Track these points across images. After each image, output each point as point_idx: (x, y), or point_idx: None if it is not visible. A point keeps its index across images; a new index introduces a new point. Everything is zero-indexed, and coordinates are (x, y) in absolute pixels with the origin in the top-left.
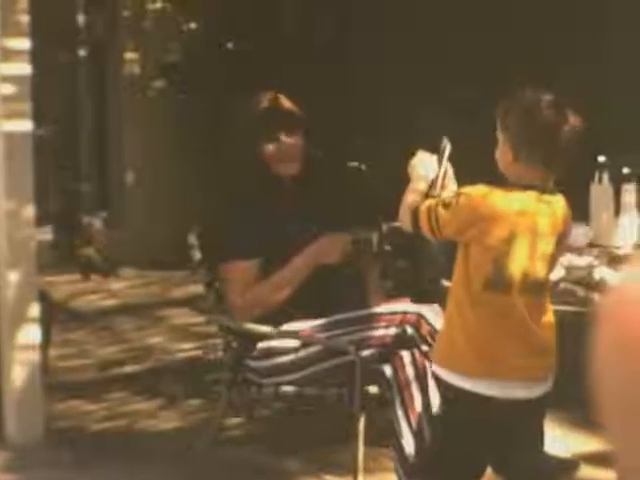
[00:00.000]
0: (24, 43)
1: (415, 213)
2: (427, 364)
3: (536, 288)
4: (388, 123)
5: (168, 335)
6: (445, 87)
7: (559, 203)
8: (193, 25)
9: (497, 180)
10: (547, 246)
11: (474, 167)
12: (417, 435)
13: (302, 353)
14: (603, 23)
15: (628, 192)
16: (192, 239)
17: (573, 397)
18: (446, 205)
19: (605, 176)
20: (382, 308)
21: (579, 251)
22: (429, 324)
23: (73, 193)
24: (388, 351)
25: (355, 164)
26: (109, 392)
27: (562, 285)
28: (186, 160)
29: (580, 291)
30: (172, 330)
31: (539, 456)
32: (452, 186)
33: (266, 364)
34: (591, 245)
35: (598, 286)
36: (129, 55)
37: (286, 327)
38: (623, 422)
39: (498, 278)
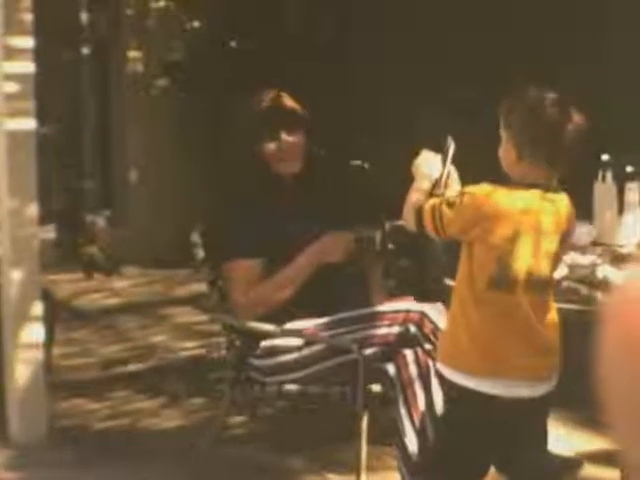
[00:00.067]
0: (27, 41)
1: (419, 212)
2: (430, 362)
3: (540, 286)
4: (388, 123)
5: (171, 334)
6: (445, 87)
7: (563, 201)
8: (196, 23)
9: (498, 179)
10: (551, 244)
11: (474, 167)
12: (420, 434)
13: (305, 352)
14: (603, 23)
15: (631, 191)
16: (195, 237)
17: (576, 396)
18: (450, 204)
19: (609, 175)
20: (385, 307)
21: (582, 250)
22: (432, 322)
23: (76, 191)
24: (391, 350)
25: (358, 162)
26: (112, 391)
27: (565, 283)
28: (189, 158)
29: (583, 289)
30: (175, 329)
31: (543, 455)
32: (456, 185)
33: (269, 362)
34: (594, 243)
35: (601, 285)
36: (132, 53)
37: (289, 326)
38: (630, 421)
39: (502, 277)
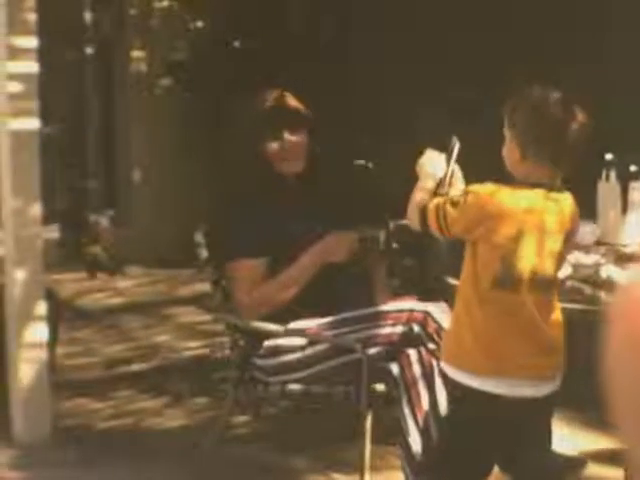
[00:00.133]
0: (31, 41)
1: (423, 211)
2: (434, 362)
3: (544, 286)
4: (388, 123)
5: (175, 333)
6: (445, 87)
7: (567, 201)
8: (200, 23)
9: (498, 179)
10: (555, 244)
11: (474, 167)
12: (424, 433)
13: (309, 351)
14: (603, 23)
15: (635, 190)
16: (199, 237)
17: (580, 396)
18: (454, 203)
19: (612, 174)
20: (389, 306)
21: (586, 249)
22: (436, 322)
23: (80, 191)
24: (395, 349)
25: (362, 162)
26: (116, 390)
27: (569, 283)
28: (193, 158)
29: (587, 289)
30: (179, 328)
31: (546, 454)
32: (460, 184)
33: (273, 362)
34: (598, 243)
35: (605, 284)
36: (136, 53)
37: (293, 325)
38: (634, 420)
39: (506, 276)
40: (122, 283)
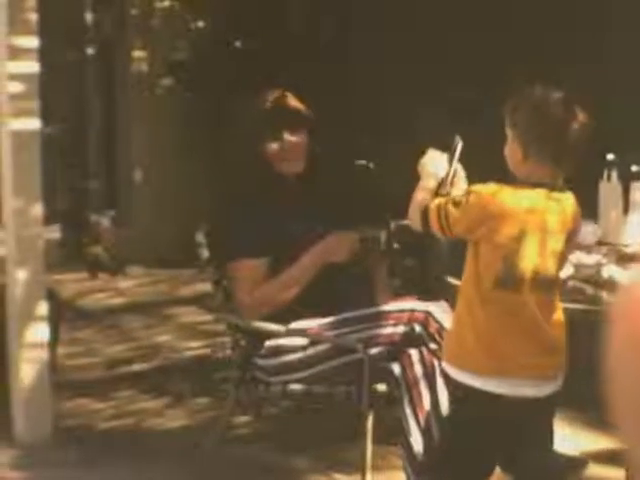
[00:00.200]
0: (32, 41)
1: (425, 211)
2: (435, 362)
3: (546, 286)
4: (388, 123)
5: (176, 333)
6: (445, 87)
7: (568, 200)
8: (201, 23)
9: (498, 179)
10: (557, 244)
11: (474, 167)
12: (425, 433)
13: (310, 351)
14: (603, 23)
15: (637, 190)
16: (200, 237)
17: (582, 396)
18: (456, 203)
19: (614, 174)
20: (390, 306)
21: (588, 249)
22: (437, 322)
23: (81, 191)
24: (396, 349)
25: (363, 162)
26: (117, 390)
27: (571, 283)
28: (194, 158)
29: (589, 289)
30: (180, 328)
31: (548, 455)
32: (462, 184)
33: (274, 362)
34: (600, 243)
35: (607, 284)
36: (137, 53)
37: (294, 325)
38: (635, 420)
39: (508, 276)
40: (123, 283)
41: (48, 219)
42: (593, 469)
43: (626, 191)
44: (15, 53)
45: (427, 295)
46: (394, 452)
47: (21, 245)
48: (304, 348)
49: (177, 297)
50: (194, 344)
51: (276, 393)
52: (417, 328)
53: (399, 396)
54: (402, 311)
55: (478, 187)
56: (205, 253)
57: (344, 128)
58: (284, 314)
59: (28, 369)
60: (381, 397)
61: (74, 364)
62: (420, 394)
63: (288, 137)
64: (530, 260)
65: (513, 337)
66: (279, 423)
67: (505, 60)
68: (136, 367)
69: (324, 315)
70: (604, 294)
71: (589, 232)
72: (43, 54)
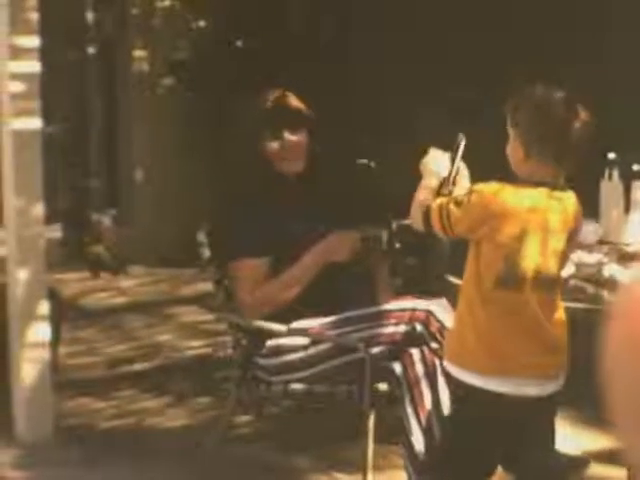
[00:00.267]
0: (33, 41)
1: (426, 211)
2: (436, 361)
3: (548, 285)
4: (388, 123)
5: (177, 333)
6: (445, 87)
7: (570, 199)
8: (202, 23)
9: (498, 179)
10: (558, 243)
11: (474, 167)
12: (427, 433)
13: (312, 351)
14: (603, 23)
15: (638, 189)
16: (201, 237)
17: (584, 395)
18: (458, 203)
19: (615, 173)
20: (391, 305)
21: (589, 248)
22: (438, 321)
23: (82, 190)
24: (398, 348)
25: (364, 161)
26: (118, 390)
27: (572, 282)
28: (195, 158)
29: (590, 288)
30: (181, 328)
31: (549, 454)
32: (465, 182)
33: (275, 362)
34: (601, 242)
35: (608, 283)
36: (138, 53)
37: (295, 325)
38: (633, 419)
39: (509, 275)
40: (125, 282)
41: (49, 218)
42: (595, 468)
43: (627, 190)
44: (16, 53)
45: (428, 295)
46: (395, 451)
47: (22, 244)
48: (305, 347)
49: (178, 296)
50: (195, 343)
51: (277, 392)
52: (418, 327)
53: (400, 395)
54: (403, 310)
55: (480, 186)
56: (206, 252)
57: (344, 128)
58: (285, 313)
59: (29, 368)
60: (382, 396)
61: (75, 363)
62: (421, 393)
63: (288, 136)
64: (532, 259)
65: (515, 336)
66: (280, 422)
67: (505, 60)
68: (137, 366)
69: (325, 314)
70: (605, 293)
71: (590, 231)
72: (44, 54)
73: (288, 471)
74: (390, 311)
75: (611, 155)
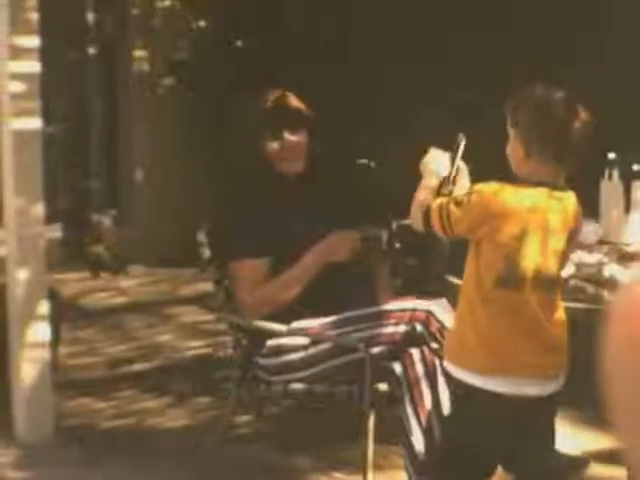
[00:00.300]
0: (33, 41)
1: (426, 212)
2: (436, 361)
3: (548, 285)
4: (388, 123)
5: (177, 333)
6: (445, 87)
7: (570, 199)
8: (202, 23)
9: (498, 179)
10: (558, 243)
11: (474, 167)
12: (427, 432)
13: (312, 350)
14: (603, 23)
15: (638, 189)
16: (201, 237)
17: (584, 395)
18: (458, 203)
19: (615, 173)
20: (391, 305)
21: (589, 248)
22: (438, 321)
23: (82, 191)
24: (398, 348)
25: (364, 161)
26: (118, 390)
27: (572, 282)
28: (195, 158)
29: (590, 288)
30: (181, 328)
31: (549, 454)
32: (465, 181)
33: (275, 362)
34: (601, 242)
35: (608, 283)
36: (138, 53)
37: (295, 325)
38: (634, 419)
39: (510, 275)
40: (125, 283)
41: (49, 218)
42: (595, 468)
43: (627, 190)
44: (16, 53)
45: (428, 295)
46: (395, 451)
47: (22, 244)
48: (305, 347)
49: (178, 296)
50: (195, 343)
51: (277, 392)
52: (418, 327)
53: (400, 395)
54: (403, 310)
55: (480, 186)
56: (206, 253)
57: (344, 128)
58: (285, 313)
59: (29, 369)
60: (382, 396)
61: (75, 363)
62: (421, 393)
63: (288, 137)
64: (532, 259)
65: (515, 336)
66: (280, 422)
67: (505, 60)
68: (137, 366)
69: (325, 314)
70: (605, 293)
71: (590, 231)
72: (44, 54)
73: (288, 471)
74: (390, 311)
75: (611, 155)
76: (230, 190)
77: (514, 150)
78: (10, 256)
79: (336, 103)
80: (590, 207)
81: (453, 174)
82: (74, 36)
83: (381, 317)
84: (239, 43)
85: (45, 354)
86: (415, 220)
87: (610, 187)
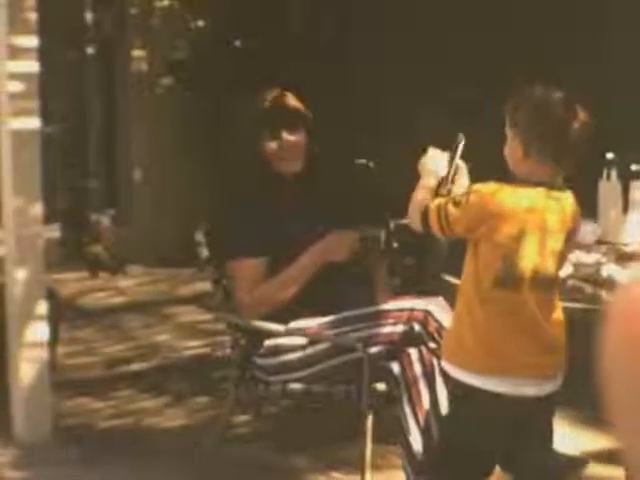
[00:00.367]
0: (32, 41)
1: (425, 211)
2: (435, 361)
3: (546, 285)
4: (388, 123)
5: (175, 333)
6: (445, 87)
7: (568, 200)
8: (200, 23)
9: (497, 179)
10: (556, 243)
11: (473, 167)
12: (425, 432)
13: (310, 350)
14: (603, 23)
15: (636, 189)
16: (199, 236)
17: (582, 395)
18: (456, 203)
19: (613, 173)
20: (389, 305)
21: (587, 248)
22: (436, 321)
23: (81, 190)
24: (396, 348)
25: (363, 161)
26: (116, 390)
27: (570, 282)
28: (193, 158)
29: (588, 288)
30: (179, 328)
31: (548, 454)
32: (464, 180)
33: (273, 362)
34: (599, 242)
35: (606, 283)
36: (137, 53)
37: (293, 324)
38: (632, 419)
39: (508, 275)
40: (123, 282)
41: (48, 218)
42: (593, 468)
43: (625, 190)
44: (15, 52)
45: (426, 294)
46: (393, 451)
47: (21, 244)
48: (303, 347)
49: (177, 296)
50: (193, 343)
51: (276, 392)
52: (416, 327)
53: (398, 395)
54: (401, 310)
55: (478, 186)
56: (205, 252)
57: (344, 128)
58: (283, 313)
59: (28, 368)
60: (380, 396)
61: (74, 363)
62: (419, 393)
63: (287, 136)
64: (530, 259)
65: (513, 336)
66: (279, 422)
67: (505, 60)
68: (136, 366)
69: (323, 314)
70: (603, 293)
71: (588, 231)
72: (43, 53)
73: (286, 471)
74: (388, 311)
75: (610, 155)
76: (228, 190)
77: (512, 150)
78: (9, 256)
79: (336, 103)
80: (588, 207)
81: (451, 174)
82: (73, 36)
83: (379, 317)
84: (238, 43)
85: (43, 354)
86: (413, 220)
87: (608, 187)
